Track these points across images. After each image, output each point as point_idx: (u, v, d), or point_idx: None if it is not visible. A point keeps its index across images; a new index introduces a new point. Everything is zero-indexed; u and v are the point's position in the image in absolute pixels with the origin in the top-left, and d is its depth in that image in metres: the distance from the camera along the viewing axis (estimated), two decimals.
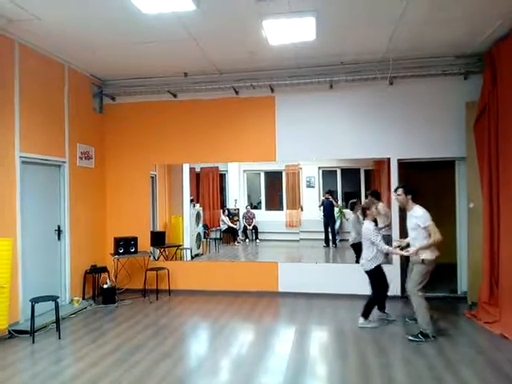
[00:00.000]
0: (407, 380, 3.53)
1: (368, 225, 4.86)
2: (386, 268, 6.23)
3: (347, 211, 10.03)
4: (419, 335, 4.43)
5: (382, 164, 7.27)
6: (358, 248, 7.00)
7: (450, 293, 6.11)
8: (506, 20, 4.64)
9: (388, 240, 5.79)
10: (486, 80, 5.40)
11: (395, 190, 4.86)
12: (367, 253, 4.86)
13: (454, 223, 6.14)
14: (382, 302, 5.13)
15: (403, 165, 6.32)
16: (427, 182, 7.16)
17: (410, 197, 4.67)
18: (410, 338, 4.45)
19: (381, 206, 6.52)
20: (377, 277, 4.88)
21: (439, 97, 6.05)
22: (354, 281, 6.19)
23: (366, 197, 8.88)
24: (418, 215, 4.56)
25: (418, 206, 4.65)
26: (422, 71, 5.87)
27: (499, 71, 5.15)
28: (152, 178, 7.37)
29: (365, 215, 4.95)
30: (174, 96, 6.79)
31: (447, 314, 5.29)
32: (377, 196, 6.54)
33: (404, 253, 4.83)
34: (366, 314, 4.90)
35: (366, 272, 4.91)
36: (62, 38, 5.11)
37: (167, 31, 4.88)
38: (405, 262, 6.35)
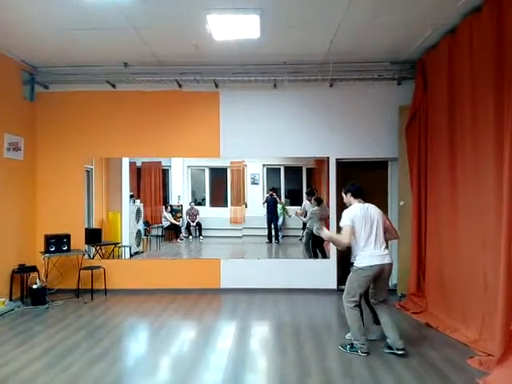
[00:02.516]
0: (341, 369, 3.69)
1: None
2: (322, 263, 6.53)
3: (290, 208, 10.29)
4: (348, 347, 4.09)
5: (322, 163, 7.52)
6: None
7: None
8: (435, 30, 4.98)
9: None
10: (417, 86, 5.76)
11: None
12: None
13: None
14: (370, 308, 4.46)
15: (342, 164, 6.57)
16: (365, 180, 7.46)
17: (349, 195, 4.26)
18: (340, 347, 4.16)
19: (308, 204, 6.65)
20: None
21: (375, 100, 6.36)
22: (294, 275, 6.39)
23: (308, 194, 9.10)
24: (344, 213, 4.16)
25: (355, 204, 4.19)
26: (359, 75, 6.13)
27: (429, 78, 5.52)
28: (88, 172, 7.02)
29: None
30: (113, 86, 6.50)
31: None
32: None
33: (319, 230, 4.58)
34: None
35: None
36: None
37: (105, 19, 4.66)
38: (340, 256, 6.48)
